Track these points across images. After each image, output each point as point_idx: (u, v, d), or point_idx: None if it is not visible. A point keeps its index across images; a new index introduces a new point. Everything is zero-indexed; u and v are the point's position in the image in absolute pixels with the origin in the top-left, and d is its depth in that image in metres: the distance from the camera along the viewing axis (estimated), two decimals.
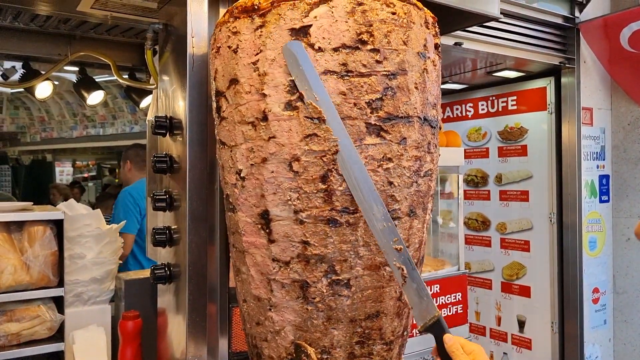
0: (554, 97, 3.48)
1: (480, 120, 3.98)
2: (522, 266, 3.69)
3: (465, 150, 4.00)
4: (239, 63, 1.26)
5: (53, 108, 8.54)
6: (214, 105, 1.40)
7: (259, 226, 1.27)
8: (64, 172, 9.93)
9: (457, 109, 4.15)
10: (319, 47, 1.18)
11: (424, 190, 1.30)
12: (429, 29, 1.31)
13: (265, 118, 1.22)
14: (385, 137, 1.20)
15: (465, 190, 4.01)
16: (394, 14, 1.22)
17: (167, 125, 1.73)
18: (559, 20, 3.31)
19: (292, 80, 1.19)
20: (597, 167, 3.54)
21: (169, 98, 1.80)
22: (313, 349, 1.22)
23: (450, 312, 2.47)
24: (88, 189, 9.28)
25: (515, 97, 3.74)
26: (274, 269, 1.27)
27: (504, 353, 3.78)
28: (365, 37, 1.19)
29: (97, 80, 3.35)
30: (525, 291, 3.66)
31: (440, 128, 1.39)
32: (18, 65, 4.43)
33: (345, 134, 1.18)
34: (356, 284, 1.23)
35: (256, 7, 1.24)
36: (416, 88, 1.24)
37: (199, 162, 1.64)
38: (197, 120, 1.63)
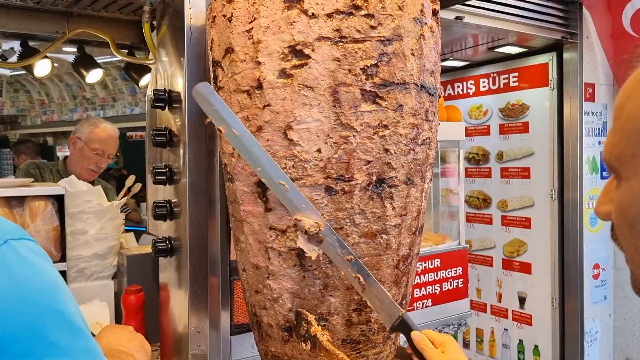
0: (556, 73, 3.45)
1: (482, 97, 3.96)
2: (522, 243, 3.70)
3: (466, 128, 3.98)
4: (233, 32, 1.25)
5: (53, 90, 8.50)
6: (212, 75, 1.40)
7: (256, 195, 1.28)
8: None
9: (458, 87, 4.12)
10: (312, 13, 1.17)
11: (422, 158, 1.29)
12: None
13: (260, 86, 1.21)
14: (381, 103, 1.20)
15: (466, 168, 4.00)
16: None
17: (165, 99, 1.72)
18: None
19: (287, 47, 1.18)
20: (599, 143, 3.52)
21: (167, 71, 1.79)
22: (313, 316, 1.23)
23: (450, 286, 2.48)
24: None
25: (517, 74, 3.71)
26: (270, 237, 1.27)
27: (505, 329, 3.81)
28: (359, 2, 1.17)
29: (99, 61, 3.33)
30: (526, 268, 3.67)
31: (439, 96, 1.37)
32: (16, 46, 4.39)
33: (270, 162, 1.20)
34: (352, 252, 1.24)
35: None
36: (412, 54, 1.23)
37: (198, 134, 1.63)
38: None
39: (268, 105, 1.21)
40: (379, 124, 1.20)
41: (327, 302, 1.27)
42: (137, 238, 2.65)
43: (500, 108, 3.81)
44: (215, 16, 1.34)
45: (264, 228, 1.29)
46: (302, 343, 1.23)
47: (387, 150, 1.21)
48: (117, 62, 6.11)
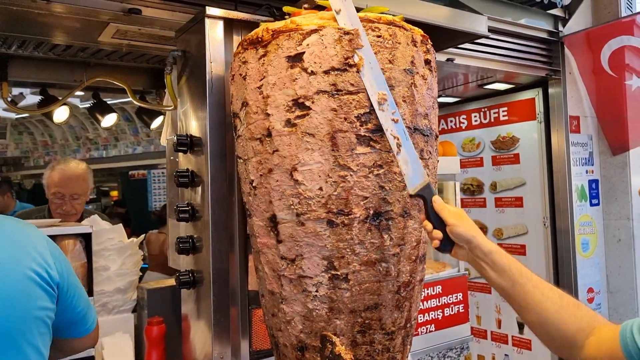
0: (543, 107, 3.67)
1: (474, 131, 4.17)
2: None
3: (460, 160, 4.17)
4: (247, 88, 1.45)
5: (56, 132, 8.70)
6: (233, 125, 1.58)
7: (269, 228, 1.45)
8: None
9: (451, 121, 4.33)
10: (312, 71, 1.35)
11: None
12: (416, 46, 1.46)
13: (269, 134, 1.40)
14: (375, 146, 1.36)
15: (462, 199, 4.18)
16: (379, 36, 1.39)
17: (188, 143, 1.89)
18: (544, 35, 3.51)
19: (291, 101, 1.36)
20: (587, 172, 3.71)
21: (188, 118, 1.96)
22: (338, 339, 1.37)
23: (452, 311, 2.62)
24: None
25: (506, 108, 3.93)
26: (282, 266, 1.43)
27: (506, 355, 3.91)
28: (351, 61, 1.35)
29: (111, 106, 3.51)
30: None
31: (436, 136, 1.54)
32: (26, 91, 4.60)
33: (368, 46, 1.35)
34: (354, 278, 1.38)
35: (260, 39, 1.43)
36: (404, 101, 1.40)
37: (219, 175, 1.79)
38: (217, 137, 1.79)
39: (277, 150, 1.39)
40: (373, 164, 1.36)
41: (333, 324, 1.41)
42: (142, 274, 2.79)
43: (492, 141, 4.01)
44: (234, 75, 1.54)
45: (276, 258, 1.45)
46: None
47: (382, 187, 1.37)
48: (120, 103, 6.30)
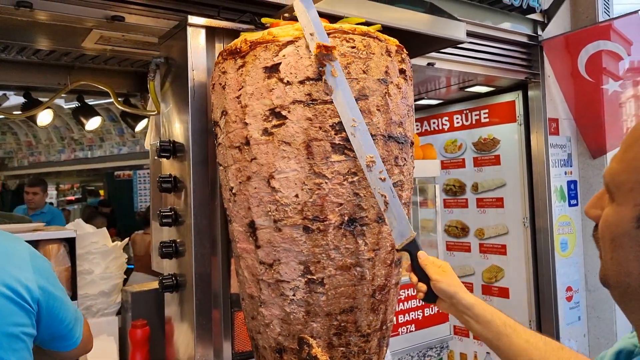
0: (522, 109, 3.75)
1: (456, 132, 4.23)
2: (500, 269, 3.91)
3: (442, 161, 4.25)
4: (227, 97, 1.49)
5: (40, 133, 8.64)
6: (213, 132, 1.62)
7: (248, 234, 1.49)
8: (51, 196, 9.99)
9: (434, 123, 4.39)
10: (288, 81, 1.39)
11: None
12: (391, 57, 1.50)
13: (247, 143, 1.44)
14: (349, 154, 1.40)
15: (444, 199, 4.25)
16: (353, 47, 1.43)
17: (170, 149, 1.92)
18: (524, 39, 3.58)
19: (268, 110, 1.40)
20: (565, 173, 3.80)
21: (171, 124, 1.99)
22: (315, 341, 1.41)
23: (432, 311, 2.67)
24: (73, 211, 9.33)
25: (487, 111, 4.00)
26: (261, 270, 1.48)
27: (487, 352, 3.99)
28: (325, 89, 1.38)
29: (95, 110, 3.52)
30: (504, 292, 3.88)
31: (411, 143, 1.58)
32: (10, 92, 4.58)
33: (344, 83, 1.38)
34: (329, 282, 1.43)
35: (238, 50, 1.47)
36: (378, 110, 1.44)
37: (202, 181, 1.82)
38: (199, 143, 1.82)
39: (255, 158, 1.43)
40: (348, 172, 1.40)
41: (310, 326, 1.46)
42: (127, 275, 2.81)
43: (474, 142, 4.08)
44: (214, 84, 1.58)
45: (255, 262, 1.50)
46: None
47: (356, 194, 1.41)
48: (105, 104, 6.28)
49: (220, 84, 1.53)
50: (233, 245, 1.62)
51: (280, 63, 1.39)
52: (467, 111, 4.13)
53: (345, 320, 1.45)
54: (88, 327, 1.56)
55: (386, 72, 1.46)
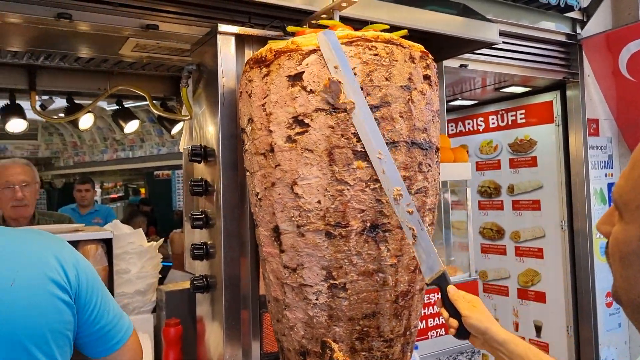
0: (560, 110, 3.66)
1: (492, 133, 4.17)
2: (536, 273, 3.83)
3: (477, 162, 4.19)
4: (252, 105, 1.53)
5: (85, 134, 8.97)
6: (241, 139, 1.66)
7: (273, 238, 1.53)
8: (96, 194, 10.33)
9: (468, 124, 4.34)
10: (310, 89, 1.41)
11: (417, 205, 1.48)
12: (414, 63, 1.49)
13: (272, 150, 1.47)
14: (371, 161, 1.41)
15: (479, 201, 4.19)
16: (375, 55, 1.43)
17: (201, 154, 1.97)
18: (562, 38, 3.49)
19: (292, 118, 1.42)
20: (606, 175, 3.68)
21: (203, 129, 2.04)
22: (337, 345, 1.43)
23: None
24: (116, 208, 9.63)
25: (523, 111, 3.92)
26: (285, 274, 1.51)
27: None
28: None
29: (127, 106, 3.64)
30: (540, 297, 3.80)
31: (436, 149, 1.58)
32: (54, 96, 4.75)
33: (363, 101, 1.38)
34: (352, 288, 1.44)
35: (263, 58, 1.50)
36: (401, 117, 1.44)
37: (231, 185, 1.87)
38: (229, 148, 1.86)
39: (279, 165, 1.46)
40: (370, 178, 1.41)
41: (333, 330, 1.47)
42: (165, 273, 2.89)
43: (510, 143, 4.01)
44: (242, 92, 1.61)
45: (280, 266, 1.53)
46: None
47: (378, 200, 1.42)
48: (145, 106, 6.46)
49: (247, 92, 1.56)
50: (259, 248, 1.66)
51: (303, 72, 1.42)
52: (503, 112, 4.06)
53: (368, 325, 1.46)
54: (137, 339, 1.41)
55: (409, 78, 1.46)
